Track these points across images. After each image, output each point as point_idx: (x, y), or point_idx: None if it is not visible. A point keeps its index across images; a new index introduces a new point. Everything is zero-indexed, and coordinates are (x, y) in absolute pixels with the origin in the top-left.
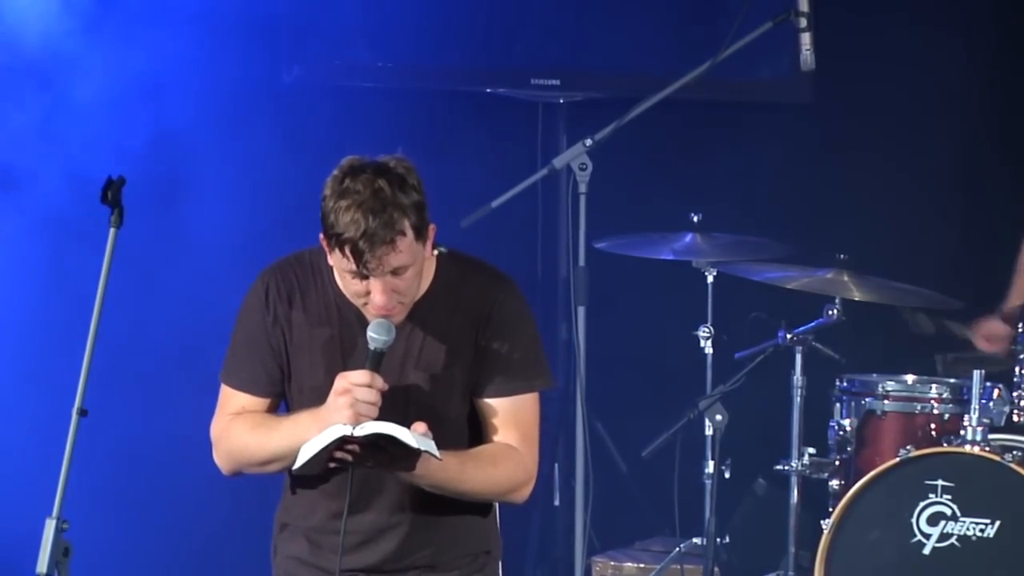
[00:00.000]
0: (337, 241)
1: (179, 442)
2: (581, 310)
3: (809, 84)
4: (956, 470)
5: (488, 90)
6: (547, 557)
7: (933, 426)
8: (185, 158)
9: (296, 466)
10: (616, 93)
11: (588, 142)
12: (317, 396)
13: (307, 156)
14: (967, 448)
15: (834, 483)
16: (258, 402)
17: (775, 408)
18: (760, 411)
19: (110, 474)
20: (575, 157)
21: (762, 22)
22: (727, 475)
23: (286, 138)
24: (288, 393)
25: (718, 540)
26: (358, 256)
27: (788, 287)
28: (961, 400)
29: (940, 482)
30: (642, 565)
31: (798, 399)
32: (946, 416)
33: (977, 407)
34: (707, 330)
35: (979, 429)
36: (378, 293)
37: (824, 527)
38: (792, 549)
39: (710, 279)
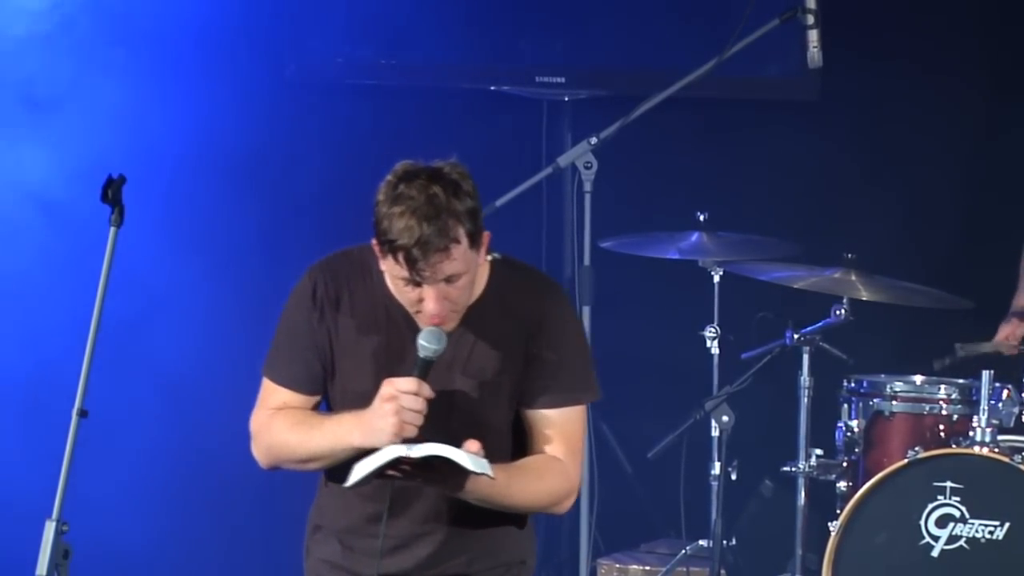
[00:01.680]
0: (390, 247)
1: (181, 443)
2: (586, 310)
3: (816, 82)
4: (965, 472)
5: (492, 87)
6: (552, 559)
7: (942, 427)
8: (186, 157)
9: (348, 484)
10: (621, 91)
11: (593, 140)
12: (361, 400)
13: (309, 155)
14: (976, 449)
15: (842, 485)
16: (300, 399)
17: (782, 409)
18: (767, 412)
19: (110, 475)
20: (580, 155)
21: (769, 19)
22: (734, 477)
23: (287, 137)
24: (330, 392)
25: (724, 542)
26: (411, 263)
27: (795, 287)
28: (970, 401)
29: (949, 484)
30: (648, 567)
31: (805, 400)
32: (955, 417)
33: (986, 408)
34: (713, 330)
35: (988, 430)
36: (431, 301)
37: (832, 529)
38: (799, 551)
39: (716, 279)
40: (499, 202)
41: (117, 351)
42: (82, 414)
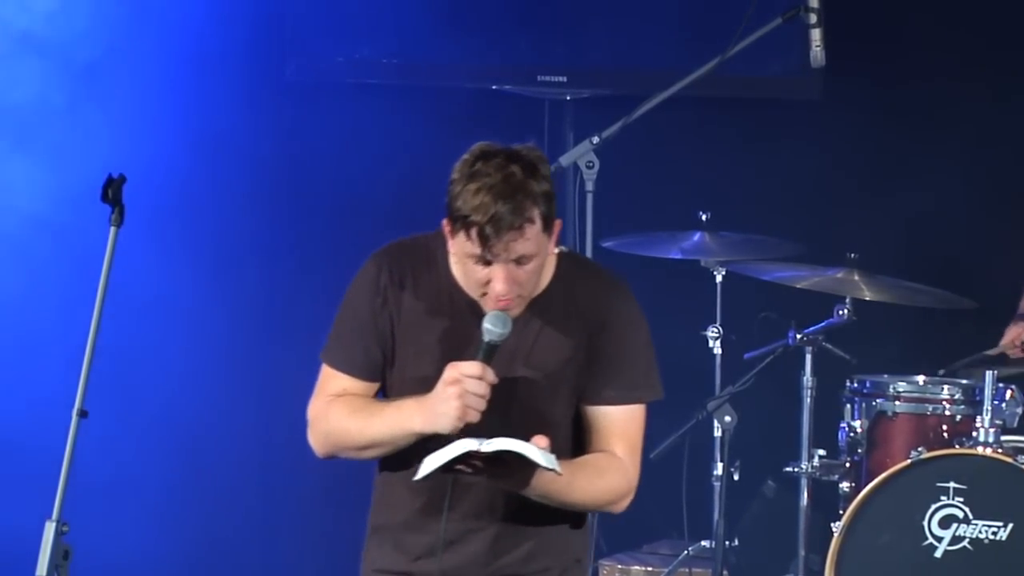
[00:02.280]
0: (464, 224)
1: (182, 444)
2: None
3: (819, 81)
4: (968, 472)
5: (494, 87)
6: None
7: (945, 427)
8: (186, 155)
9: (417, 477)
10: (623, 90)
11: (595, 139)
12: (421, 386)
13: (310, 153)
14: (979, 450)
15: (844, 485)
16: (360, 385)
17: (785, 409)
18: (769, 412)
19: (111, 476)
20: (582, 155)
21: (771, 18)
22: (736, 477)
23: (289, 135)
24: (388, 380)
25: (727, 543)
26: (484, 240)
27: (798, 286)
28: (973, 401)
29: (952, 484)
30: (650, 568)
31: (808, 400)
32: (958, 417)
33: (989, 408)
34: (716, 330)
35: (991, 431)
36: (500, 281)
37: (834, 530)
38: (802, 552)
39: (719, 278)
40: None
41: (118, 351)
42: (82, 414)
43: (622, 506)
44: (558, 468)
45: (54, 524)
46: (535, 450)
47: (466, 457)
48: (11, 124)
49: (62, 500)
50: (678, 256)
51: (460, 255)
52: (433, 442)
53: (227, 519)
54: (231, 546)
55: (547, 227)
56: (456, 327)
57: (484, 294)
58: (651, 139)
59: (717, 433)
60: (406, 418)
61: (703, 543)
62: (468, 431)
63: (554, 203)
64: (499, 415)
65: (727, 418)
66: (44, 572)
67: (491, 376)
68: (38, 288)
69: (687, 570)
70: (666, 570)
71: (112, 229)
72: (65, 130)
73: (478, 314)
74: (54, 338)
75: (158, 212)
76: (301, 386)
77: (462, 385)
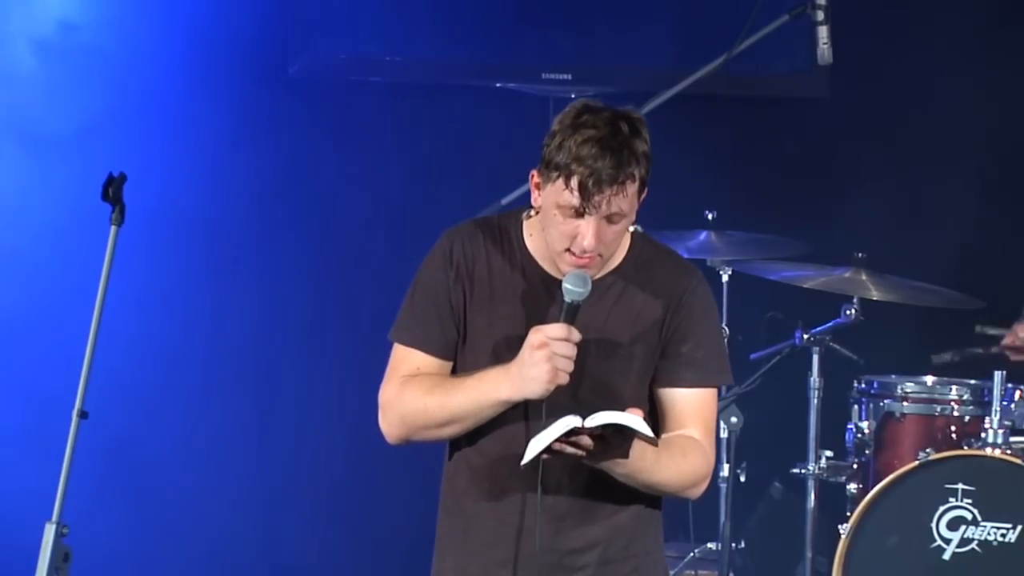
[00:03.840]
0: (565, 172)
1: (182, 445)
2: None
3: (826, 79)
4: (977, 473)
5: (498, 84)
6: None
7: (953, 428)
8: (187, 153)
9: (524, 461)
10: (628, 88)
11: None
12: (494, 360)
13: (312, 152)
14: (988, 451)
15: (852, 487)
16: (435, 363)
17: (791, 410)
18: (776, 413)
19: (111, 478)
20: None
21: (778, 15)
22: (742, 479)
23: (292, 134)
24: (459, 357)
25: (733, 545)
26: (584, 192)
27: (805, 286)
28: (982, 402)
29: (960, 486)
30: None
31: (815, 401)
32: (967, 418)
33: (998, 409)
34: (722, 330)
35: (1000, 432)
36: (590, 235)
37: (842, 532)
38: (809, 554)
39: (725, 278)
40: (505, 200)
41: (118, 351)
42: (82, 415)
43: (701, 490)
44: (652, 436)
45: (54, 526)
46: (640, 421)
47: (570, 435)
48: (11, 123)
49: (62, 502)
50: (684, 255)
51: (551, 206)
52: (511, 415)
53: (228, 521)
54: (232, 548)
55: (641, 189)
56: (530, 301)
57: (566, 250)
58: (656, 138)
59: (724, 434)
60: (491, 387)
61: (709, 545)
62: (557, 403)
63: (650, 168)
64: (569, 390)
65: (733, 419)
66: (44, 574)
67: (576, 336)
68: (38, 288)
69: (693, 572)
70: (672, 572)
71: (112, 228)
72: (66, 129)
73: (552, 288)
74: (54, 338)
75: (159, 211)
76: (301, 386)
77: (550, 348)
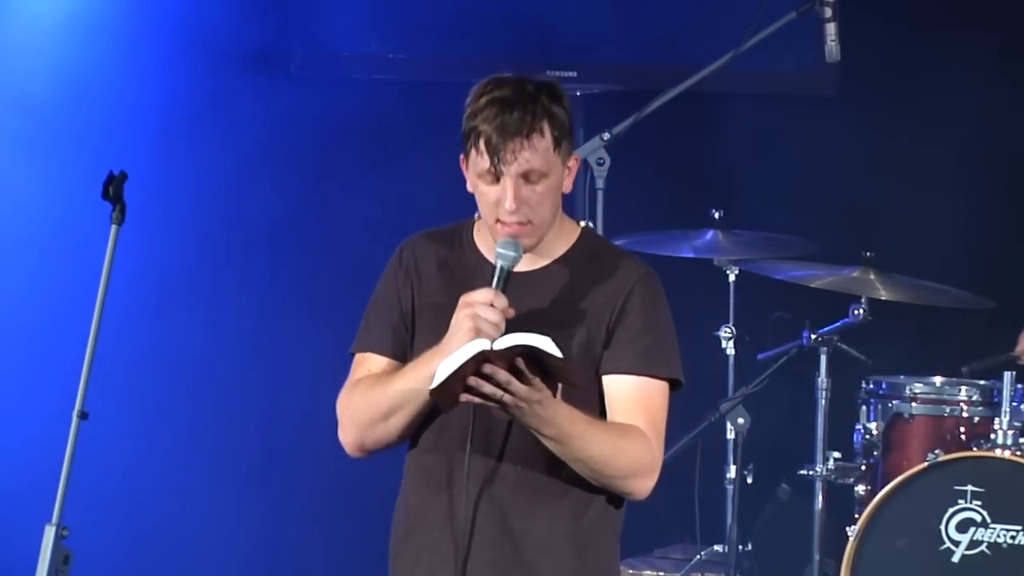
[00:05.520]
0: (475, 135)
1: (182, 446)
2: None
3: (834, 76)
4: (986, 475)
5: None
6: None
7: (962, 429)
8: (187, 152)
9: (433, 385)
10: (635, 85)
11: (606, 136)
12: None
13: (313, 152)
14: (997, 452)
15: (860, 488)
16: (386, 363)
17: (799, 411)
18: (784, 414)
19: (112, 479)
20: (592, 151)
21: (785, 12)
22: (749, 480)
23: (293, 132)
24: (411, 352)
25: (740, 547)
26: (490, 146)
27: (812, 286)
28: (991, 403)
29: (970, 487)
30: (662, 573)
31: (823, 401)
32: (976, 419)
33: (1008, 410)
34: (729, 330)
35: (1010, 433)
36: (509, 194)
37: (850, 534)
38: (817, 557)
39: (732, 278)
40: None
41: (118, 352)
42: (82, 416)
43: (645, 486)
44: (560, 355)
45: (54, 528)
46: (548, 341)
47: (480, 362)
48: (11, 122)
49: (62, 504)
50: (690, 255)
51: (474, 180)
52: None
53: (228, 523)
54: (232, 550)
55: (559, 147)
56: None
57: (497, 221)
58: (663, 136)
59: (730, 435)
60: (423, 364)
61: (716, 547)
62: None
63: (569, 130)
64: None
65: (740, 420)
66: None
67: (503, 301)
68: (38, 288)
69: (700, 575)
70: (679, 575)
71: (113, 227)
72: (66, 126)
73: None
74: (54, 338)
75: (159, 211)
76: (301, 387)
77: (473, 309)
